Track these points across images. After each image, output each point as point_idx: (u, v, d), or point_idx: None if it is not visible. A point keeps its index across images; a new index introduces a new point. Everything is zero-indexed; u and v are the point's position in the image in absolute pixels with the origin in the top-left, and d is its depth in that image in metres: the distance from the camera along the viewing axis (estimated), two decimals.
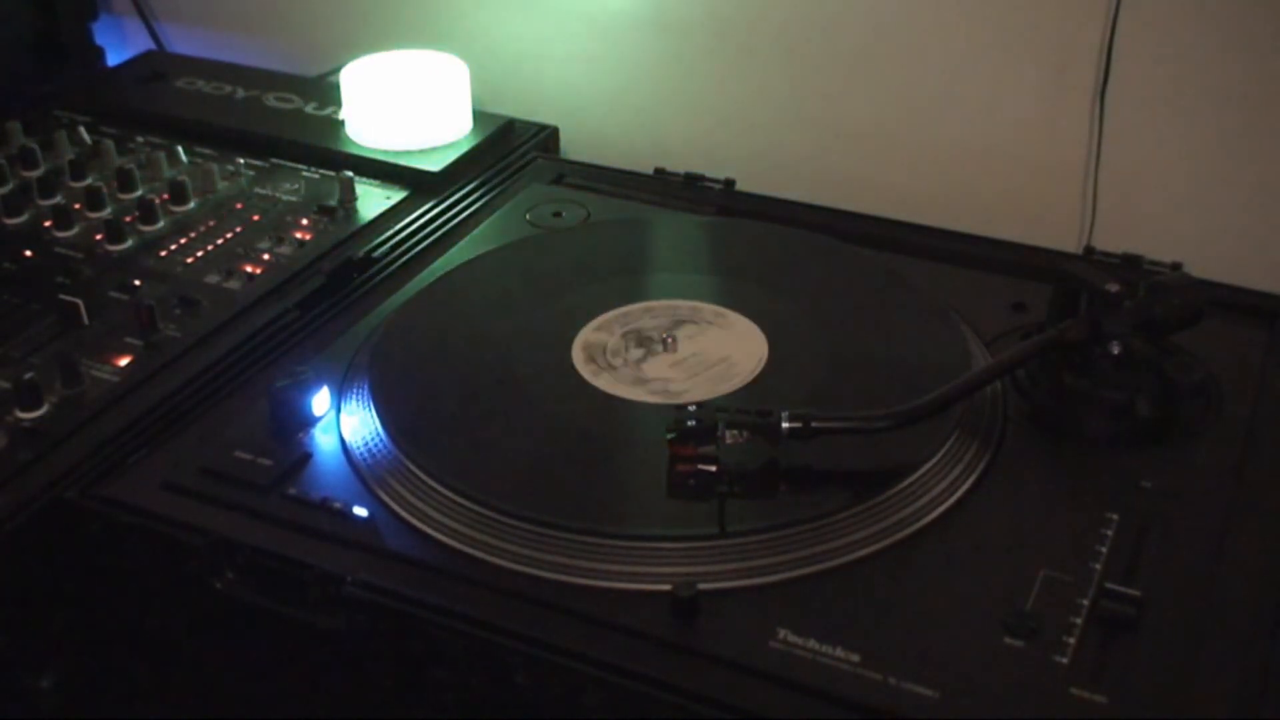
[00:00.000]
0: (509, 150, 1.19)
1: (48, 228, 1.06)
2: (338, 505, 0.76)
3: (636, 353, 0.88)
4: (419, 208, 1.09)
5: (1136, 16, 1.10)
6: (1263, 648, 0.66)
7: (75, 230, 1.06)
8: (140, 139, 1.20)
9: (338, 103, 1.21)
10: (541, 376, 0.86)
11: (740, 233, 1.05)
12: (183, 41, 1.50)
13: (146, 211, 1.06)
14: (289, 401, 0.82)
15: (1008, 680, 0.64)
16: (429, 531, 0.74)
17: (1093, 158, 1.17)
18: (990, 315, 0.93)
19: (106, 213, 1.07)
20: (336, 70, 1.20)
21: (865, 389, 0.83)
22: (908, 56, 1.20)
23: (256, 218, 1.08)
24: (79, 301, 0.93)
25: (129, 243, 1.04)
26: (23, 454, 0.81)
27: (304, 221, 1.07)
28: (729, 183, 1.12)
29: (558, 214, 1.08)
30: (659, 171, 1.14)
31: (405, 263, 1.03)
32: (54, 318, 0.94)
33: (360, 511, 0.76)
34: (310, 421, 0.83)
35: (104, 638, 0.84)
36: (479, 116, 1.20)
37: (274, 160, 1.16)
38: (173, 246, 1.04)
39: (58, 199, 1.09)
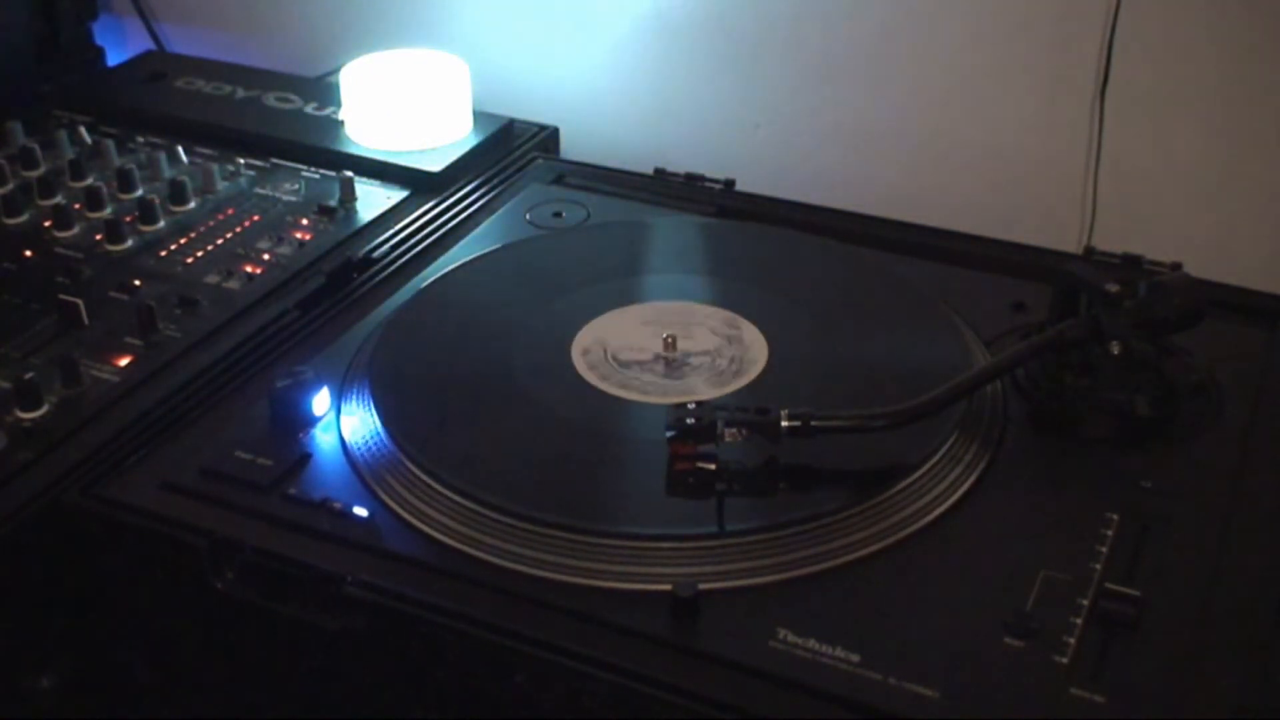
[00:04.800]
0: (509, 150, 1.19)
1: (48, 228, 1.06)
2: (338, 505, 0.76)
3: (635, 353, 0.88)
4: (419, 208, 1.09)
5: (1136, 16, 1.10)
6: (1263, 648, 0.66)
7: (75, 230, 1.05)
8: (140, 139, 1.20)
9: (338, 103, 1.21)
10: (541, 376, 0.86)
11: (740, 233, 1.05)
12: (183, 41, 1.50)
13: (146, 211, 1.06)
14: (289, 401, 0.82)
15: (1008, 680, 0.64)
16: (429, 531, 0.74)
17: (1093, 158, 1.17)
18: (990, 315, 0.93)
19: (106, 213, 1.07)
20: (336, 70, 1.20)
21: (865, 389, 0.83)
22: (908, 56, 1.20)
23: (256, 218, 1.08)
24: (79, 301, 0.93)
25: (129, 243, 1.04)
26: (23, 454, 0.81)
27: (304, 221, 1.07)
28: (729, 183, 1.12)
29: (558, 214, 1.08)
30: (659, 171, 1.14)
31: (405, 263, 1.03)
32: (54, 318, 0.94)
33: (360, 511, 0.76)
34: (310, 421, 0.83)
35: (104, 638, 0.83)
36: (479, 116, 1.20)
37: (274, 160, 1.16)
38: (173, 246, 1.04)
39: (58, 199, 1.09)
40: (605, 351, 0.88)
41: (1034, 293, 0.94)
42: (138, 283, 0.98)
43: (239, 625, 0.77)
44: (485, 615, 0.69)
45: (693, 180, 1.13)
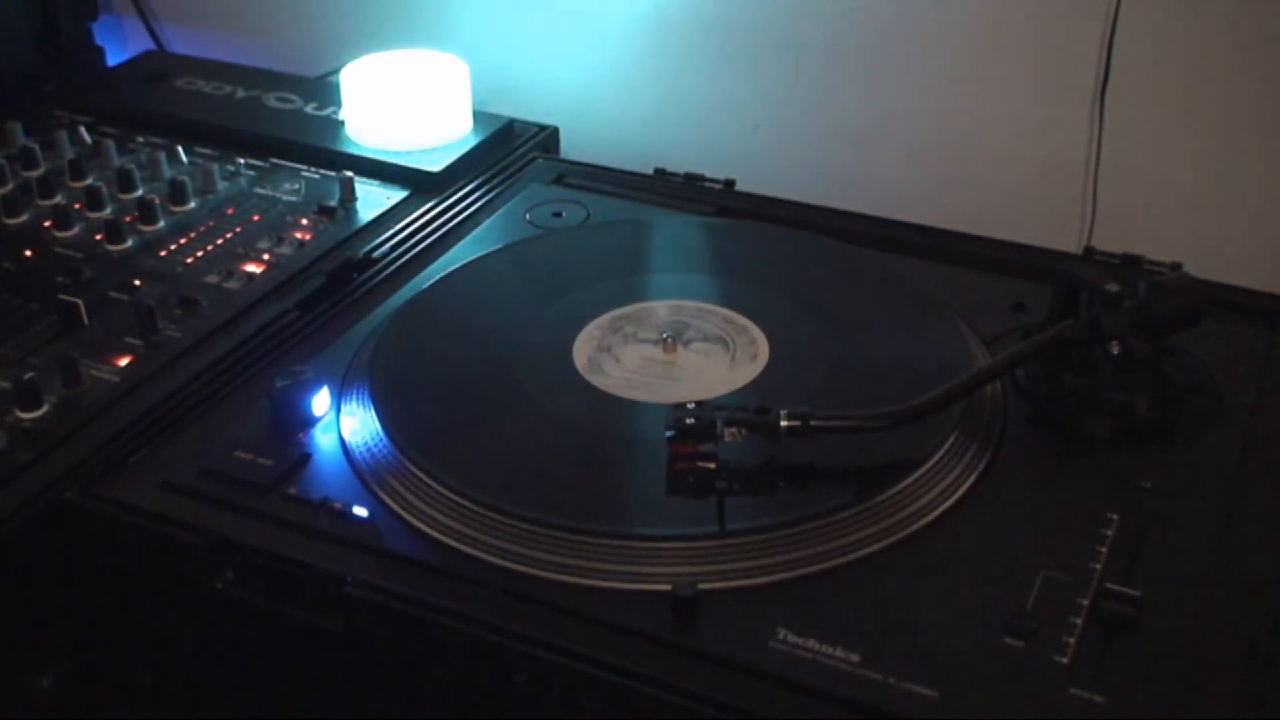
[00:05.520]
0: (509, 150, 1.19)
1: (48, 228, 1.06)
2: (338, 505, 0.76)
3: (636, 353, 0.88)
4: (419, 208, 1.09)
5: (1136, 16, 1.10)
6: (1263, 648, 0.66)
7: (75, 230, 1.06)
8: (140, 139, 1.20)
9: (338, 103, 1.21)
10: (541, 376, 0.86)
11: (740, 233, 1.05)
12: (183, 41, 1.50)
13: (146, 211, 1.06)
14: (289, 401, 0.82)
15: (1008, 680, 0.64)
16: (429, 531, 0.74)
17: (1093, 158, 1.17)
18: (990, 315, 0.93)
19: (106, 213, 1.07)
20: (336, 70, 1.20)
21: (865, 389, 0.83)
22: (908, 56, 1.20)
23: (256, 218, 1.08)
24: (79, 301, 0.93)
25: (129, 243, 1.04)
26: (23, 454, 0.81)
27: (304, 221, 1.07)
28: (729, 183, 1.12)
29: (558, 214, 1.08)
30: (659, 171, 1.14)
31: (405, 263, 1.03)
32: (54, 318, 0.94)
33: (360, 511, 0.76)
34: (310, 421, 0.83)
35: (104, 638, 0.84)
36: (479, 116, 1.20)
37: (274, 160, 1.16)
38: (173, 246, 1.04)
39: (58, 199, 1.09)
40: (605, 351, 0.88)
41: (1034, 293, 0.94)
42: (138, 283, 0.98)
43: (239, 625, 0.77)
44: (485, 615, 0.69)
45: (693, 180, 1.13)
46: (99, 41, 1.42)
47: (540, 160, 1.18)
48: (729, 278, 0.97)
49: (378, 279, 1.00)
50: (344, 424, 0.83)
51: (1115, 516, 0.74)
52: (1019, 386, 0.86)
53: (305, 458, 0.80)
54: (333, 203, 1.09)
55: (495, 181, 1.14)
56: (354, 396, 0.85)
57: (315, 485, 0.78)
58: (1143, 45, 1.11)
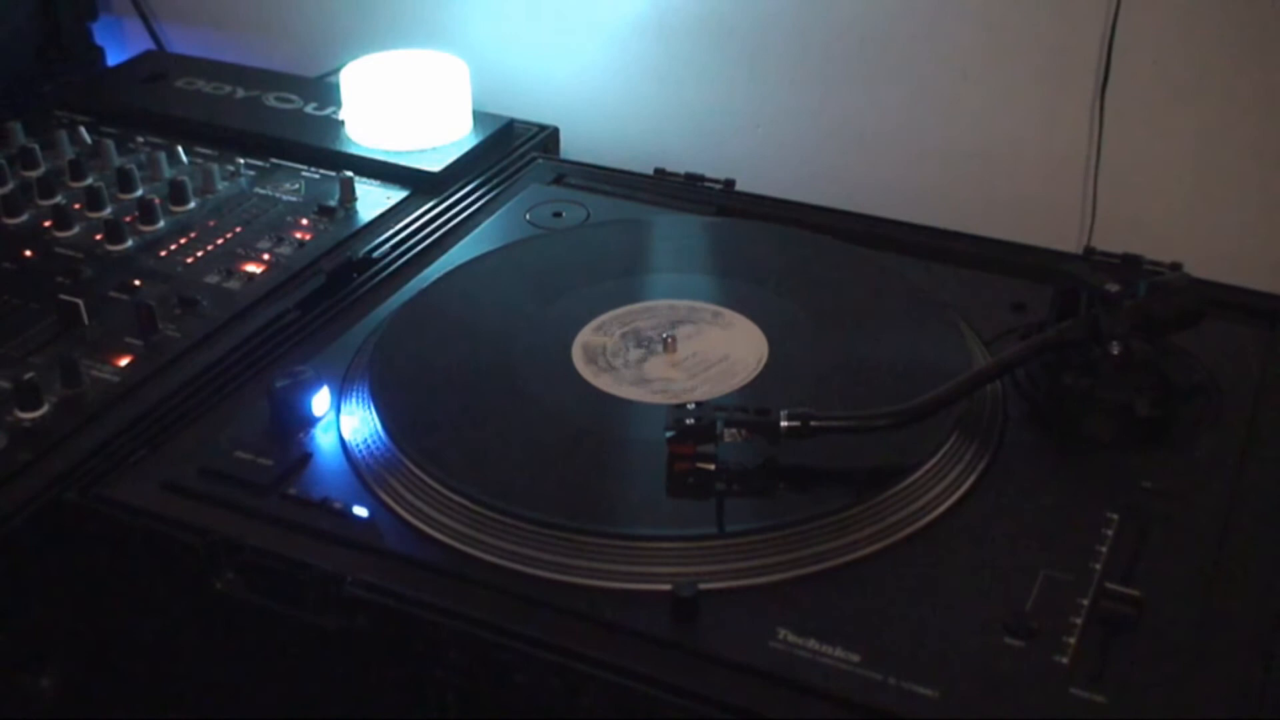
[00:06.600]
0: (509, 150, 1.19)
1: (48, 228, 1.06)
2: (338, 505, 0.76)
3: (636, 353, 0.88)
4: (419, 208, 1.09)
5: (1136, 16, 1.10)
6: (1263, 648, 0.66)
7: (75, 230, 1.06)
8: (140, 139, 1.20)
9: (338, 103, 1.21)
10: (541, 376, 0.86)
11: (740, 233, 1.05)
12: (183, 41, 1.50)
13: (146, 211, 1.06)
14: (289, 401, 0.82)
15: (1008, 680, 0.64)
16: (429, 531, 0.74)
17: (1093, 158, 1.17)
18: (990, 315, 0.93)
19: (106, 213, 1.07)
20: (336, 70, 1.20)
21: (865, 389, 0.83)
22: (908, 56, 1.21)
23: (256, 217, 1.08)
24: (79, 301, 0.93)
25: (129, 243, 1.04)
26: (23, 454, 0.81)
27: (304, 221, 1.07)
28: (729, 183, 1.12)
29: (558, 214, 1.08)
30: (659, 171, 1.14)
31: (405, 263, 1.03)
32: (54, 318, 0.94)
33: (360, 511, 0.76)
34: (310, 421, 0.83)
35: (104, 638, 0.84)
36: (479, 116, 1.20)
37: (274, 160, 1.16)
38: (173, 246, 1.04)
39: (58, 199, 1.09)
40: (605, 351, 0.88)
41: (1034, 293, 0.94)
42: (138, 283, 0.98)
43: (239, 625, 0.77)
44: (485, 615, 0.69)
45: (693, 180, 1.13)
46: (99, 41, 1.42)
47: (540, 160, 1.18)
48: (729, 278, 0.97)
49: (378, 279, 1.00)
50: (344, 424, 0.83)
51: (1115, 516, 0.74)
52: (1019, 386, 0.86)
53: (305, 457, 0.80)
54: (333, 203, 1.09)
55: (495, 181, 1.14)
56: (354, 396, 0.85)
57: (315, 485, 0.78)
58: (1143, 45, 1.11)
